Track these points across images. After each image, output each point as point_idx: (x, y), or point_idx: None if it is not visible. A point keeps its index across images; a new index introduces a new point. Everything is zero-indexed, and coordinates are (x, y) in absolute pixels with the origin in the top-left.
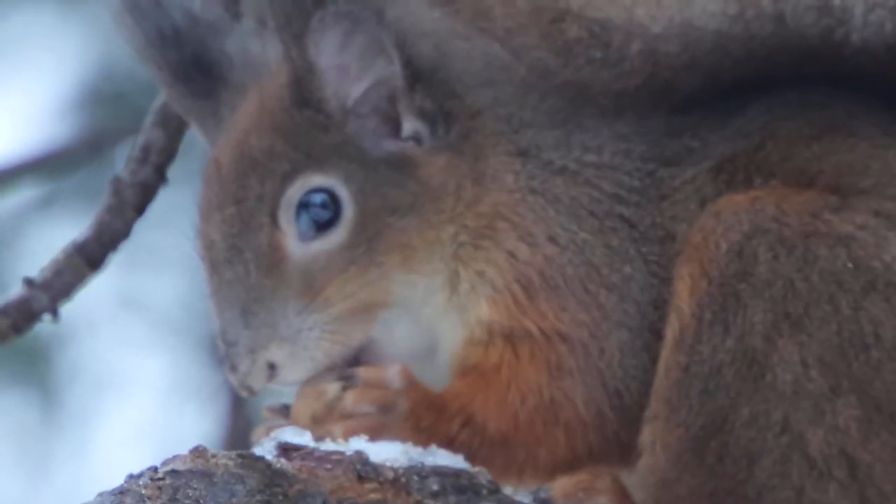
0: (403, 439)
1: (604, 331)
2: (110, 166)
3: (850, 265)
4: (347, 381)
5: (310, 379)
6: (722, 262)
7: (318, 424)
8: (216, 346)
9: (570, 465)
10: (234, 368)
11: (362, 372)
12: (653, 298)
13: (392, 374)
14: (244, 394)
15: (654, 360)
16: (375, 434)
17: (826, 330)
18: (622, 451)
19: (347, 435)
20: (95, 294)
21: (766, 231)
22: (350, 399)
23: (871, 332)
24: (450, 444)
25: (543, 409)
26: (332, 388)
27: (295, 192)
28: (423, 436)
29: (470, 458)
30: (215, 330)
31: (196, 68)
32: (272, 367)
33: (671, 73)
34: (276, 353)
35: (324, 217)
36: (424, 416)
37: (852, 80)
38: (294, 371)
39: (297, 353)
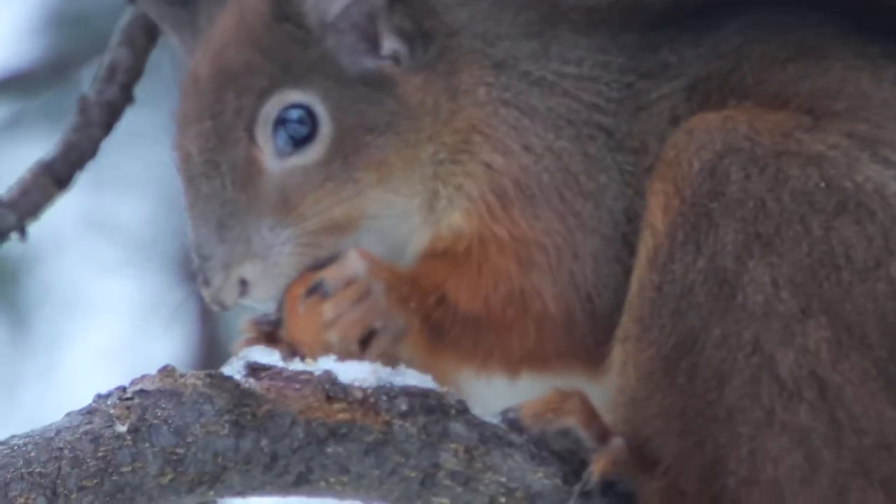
0: (393, 318)
1: (578, 238)
2: (76, 87)
3: (821, 184)
4: (321, 293)
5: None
6: (694, 181)
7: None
8: (189, 260)
9: (537, 360)
10: (207, 283)
11: (327, 276)
12: (626, 208)
13: (352, 261)
14: (215, 308)
15: (626, 272)
16: (368, 322)
17: (797, 251)
18: (589, 358)
19: (344, 337)
20: (63, 216)
21: (738, 150)
22: (328, 309)
23: (841, 252)
24: (425, 319)
25: (514, 298)
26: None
27: (272, 107)
28: (407, 307)
29: (439, 336)
30: (190, 242)
31: None
32: (244, 283)
33: None
34: (248, 270)
35: (301, 133)
36: (401, 287)
37: (825, 1)
38: (265, 288)
39: (269, 270)
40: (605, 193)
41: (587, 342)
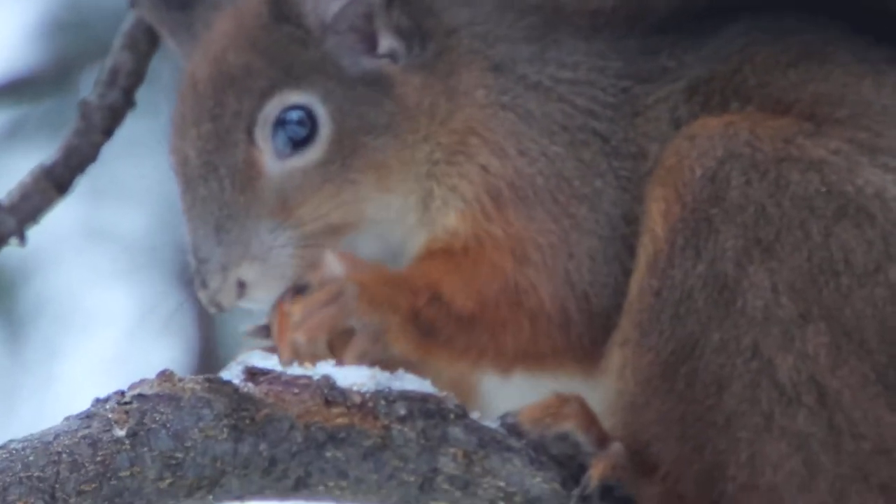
0: (366, 318)
1: (573, 238)
2: (77, 93)
3: (822, 189)
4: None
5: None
6: (696, 186)
7: (281, 342)
8: (187, 266)
9: (531, 358)
10: (204, 285)
11: (311, 279)
12: (624, 212)
13: (329, 263)
14: (213, 310)
15: (626, 273)
16: (337, 323)
17: (797, 256)
18: (585, 358)
19: (310, 338)
20: (61, 225)
21: (739, 156)
22: (296, 311)
23: (841, 258)
24: (414, 316)
25: (509, 293)
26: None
27: (272, 108)
28: (384, 309)
29: (434, 334)
30: (188, 246)
31: None
32: (242, 285)
33: None
34: (247, 272)
35: (300, 134)
36: (379, 291)
37: (826, 5)
38: (263, 289)
39: (268, 272)
40: (602, 197)
41: (583, 341)
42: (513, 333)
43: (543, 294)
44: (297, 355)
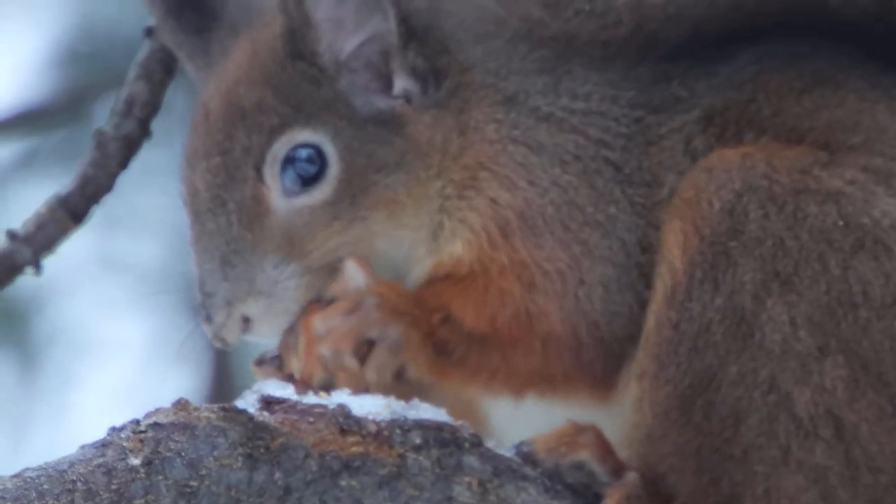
0: (388, 328)
1: (584, 265)
2: (91, 123)
3: (840, 223)
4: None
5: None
6: (714, 220)
7: (308, 356)
8: (193, 296)
9: (543, 381)
10: (209, 319)
11: (336, 291)
12: (639, 239)
13: (351, 272)
14: (218, 344)
15: (641, 302)
16: (360, 333)
17: (815, 289)
18: (596, 383)
19: (335, 350)
20: (75, 255)
21: (756, 188)
22: (319, 323)
23: (859, 291)
24: (429, 335)
25: (521, 316)
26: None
27: (282, 146)
28: (402, 322)
29: (445, 354)
30: (194, 278)
31: (189, 3)
32: (247, 320)
33: (657, 24)
34: (251, 308)
35: (309, 173)
36: (400, 302)
37: (837, 31)
38: (268, 325)
39: (273, 307)
40: (615, 224)
41: (595, 367)
42: (524, 354)
43: (555, 320)
44: (326, 369)
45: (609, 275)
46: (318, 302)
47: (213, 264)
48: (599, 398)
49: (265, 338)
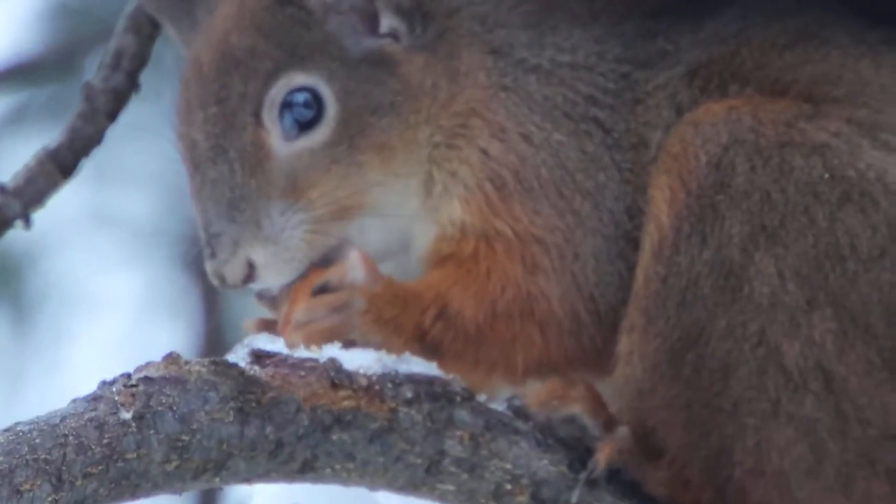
0: (369, 336)
1: (578, 237)
2: (80, 77)
3: (825, 175)
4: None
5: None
6: (700, 174)
7: (284, 331)
8: (192, 245)
9: (543, 368)
10: (213, 255)
11: (332, 278)
12: (627, 206)
13: (352, 264)
14: (216, 282)
15: (630, 267)
16: (338, 335)
17: (802, 242)
18: (598, 360)
19: (308, 343)
20: (66, 209)
21: (743, 142)
22: (301, 311)
23: (846, 243)
24: (420, 336)
25: (521, 302)
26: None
27: (278, 91)
28: (388, 329)
29: (440, 354)
30: (198, 225)
31: None
32: (251, 266)
33: None
34: (258, 253)
35: (307, 116)
36: (386, 308)
37: None
38: (274, 272)
39: (279, 254)
40: (604, 192)
41: (595, 342)
42: (523, 348)
43: (553, 300)
44: (294, 349)
45: (599, 246)
46: (311, 277)
47: (218, 210)
48: (602, 370)
49: (267, 286)
